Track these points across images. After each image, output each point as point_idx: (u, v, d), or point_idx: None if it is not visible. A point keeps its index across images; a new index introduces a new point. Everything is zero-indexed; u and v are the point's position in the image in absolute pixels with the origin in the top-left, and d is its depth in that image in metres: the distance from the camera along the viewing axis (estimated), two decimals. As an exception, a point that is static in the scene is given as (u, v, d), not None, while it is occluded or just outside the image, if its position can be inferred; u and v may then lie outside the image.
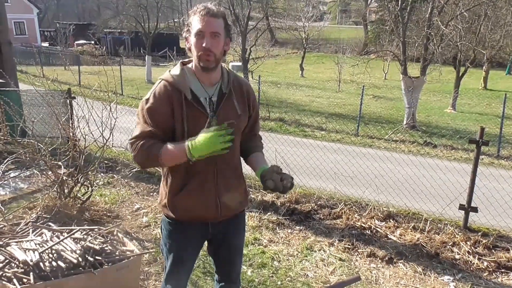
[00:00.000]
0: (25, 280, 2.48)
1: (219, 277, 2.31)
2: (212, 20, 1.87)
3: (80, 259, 2.62)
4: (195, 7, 1.93)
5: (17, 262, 2.60)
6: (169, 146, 1.88)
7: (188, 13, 1.99)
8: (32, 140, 4.55)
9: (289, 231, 4.52)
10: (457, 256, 3.99)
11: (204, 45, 1.86)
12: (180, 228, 2.11)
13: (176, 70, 2.00)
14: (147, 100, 1.95)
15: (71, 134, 4.84)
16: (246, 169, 2.20)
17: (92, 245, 2.80)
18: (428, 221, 4.54)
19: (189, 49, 1.96)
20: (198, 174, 2.00)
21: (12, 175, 5.43)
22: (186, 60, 2.08)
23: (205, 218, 2.08)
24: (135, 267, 2.94)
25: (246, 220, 4.58)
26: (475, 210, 4.55)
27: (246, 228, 4.36)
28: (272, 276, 3.61)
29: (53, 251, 2.66)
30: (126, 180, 5.70)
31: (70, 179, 4.48)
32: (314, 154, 6.94)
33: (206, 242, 2.25)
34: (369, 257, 4.02)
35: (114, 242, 3.05)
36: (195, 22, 1.89)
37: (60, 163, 4.41)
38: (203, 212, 2.05)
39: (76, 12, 64.93)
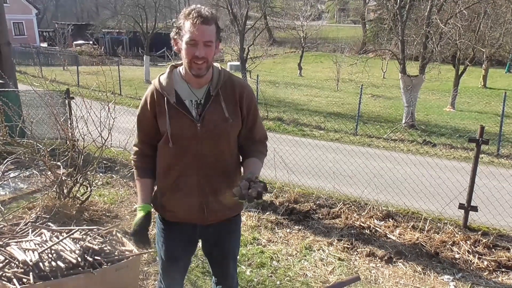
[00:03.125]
0: (24, 280, 2.48)
1: (215, 279, 2.31)
2: (205, 28, 1.82)
3: (79, 259, 2.62)
4: (187, 9, 1.86)
5: (16, 262, 2.59)
6: (139, 188, 2.12)
7: (178, 15, 1.94)
8: (31, 141, 4.55)
9: (288, 230, 4.52)
10: (457, 256, 3.98)
11: (197, 54, 1.84)
12: (170, 227, 2.13)
13: (164, 74, 2.02)
14: (138, 107, 2.08)
15: (69, 134, 4.83)
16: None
17: (91, 245, 2.80)
18: (428, 221, 4.53)
19: (178, 51, 1.93)
20: (182, 177, 2.01)
21: (11, 175, 5.42)
22: (179, 62, 2.05)
23: (190, 220, 2.08)
24: (134, 267, 2.94)
25: (245, 220, 4.58)
26: (475, 209, 4.55)
27: (245, 228, 4.39)
28: (271, 276, 3.61)
29: (53, 251, 2.66)
30: (125, 180, 5.69)
31: (69, 179, 4.48)
32: (312, 153, 6.94)
33: (200, 242, 2.26)
34: (368, 256, 4.01)
35: (113, 242, 3.04)
36: (187, 28, 1.83)
37: (59, 163, 4.41)
38: (187, 215, 2.05)
39: (74, 13, 64.89)
